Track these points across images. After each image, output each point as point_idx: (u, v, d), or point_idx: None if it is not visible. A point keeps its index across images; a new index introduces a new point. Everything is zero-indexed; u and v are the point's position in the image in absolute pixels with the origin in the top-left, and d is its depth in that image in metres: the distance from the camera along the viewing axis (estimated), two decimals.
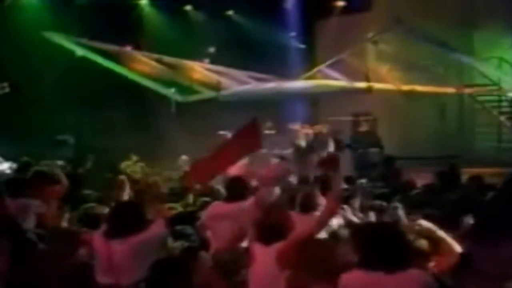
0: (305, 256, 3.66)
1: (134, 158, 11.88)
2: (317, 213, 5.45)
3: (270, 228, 4.28)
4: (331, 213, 4.43)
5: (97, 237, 4.59)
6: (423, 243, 4.55)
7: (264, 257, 4.17)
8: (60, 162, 8.84)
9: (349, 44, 14.52)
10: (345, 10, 15.77)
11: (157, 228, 4.65)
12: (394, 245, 3.45)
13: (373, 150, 13.08)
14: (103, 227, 4.71)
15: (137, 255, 4.39)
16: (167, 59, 14.66)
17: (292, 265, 3.70)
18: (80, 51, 13.96)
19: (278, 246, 4.11)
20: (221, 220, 5.66)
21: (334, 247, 4.06)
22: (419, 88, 14.45)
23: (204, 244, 5.70)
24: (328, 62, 14.71)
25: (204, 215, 6.11)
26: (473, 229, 4.25)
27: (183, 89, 15.08)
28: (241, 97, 14.94)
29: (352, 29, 14.77)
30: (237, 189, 5.92)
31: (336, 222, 5.65)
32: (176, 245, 5.14)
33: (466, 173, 9.69)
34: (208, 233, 5.92)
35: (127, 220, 4.52)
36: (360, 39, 14.45)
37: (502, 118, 14.60)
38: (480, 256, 4.06)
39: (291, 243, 3.95)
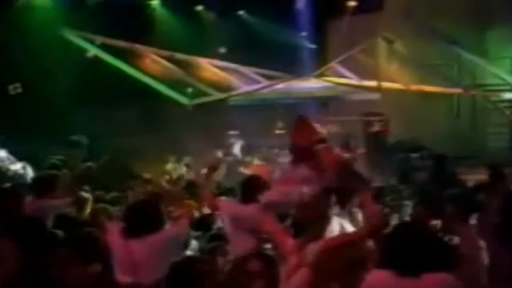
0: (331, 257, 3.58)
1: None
2: None
3: (303, 224, 4.17)
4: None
5: (113, 235, 4.53)
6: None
7: None
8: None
9: (360, 45, 14.49)
10: (356, 10, 15.69)
11: (178, 228, 4.63)
12: (422, 247, 3.36)
13: (414, 155, 12.91)
14: (118, 225, 4.64)
15: (157, 254, 4.35)
16: (178, 55, 14.66)
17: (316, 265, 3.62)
18: (92, 50, 13.99)
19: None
20: (239, 223, 5.43)
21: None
22: (431, 88, 14.39)
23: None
24: (339, 58, 14.70)
25: (221, 217, 5.84)
26: (497, 229, 4.21)
27: (194, 91, 15.06)
28: (251, 101, 14.95)
29: (364, 29, 14.72)
30: (254, 189, 5.54)
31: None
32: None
33: (479, 173, 9.64)
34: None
35: (145, 219, 4.47)
36: (372, 39, 14.41)
37: None
38: (502, 256, 4.03)
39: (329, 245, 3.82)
